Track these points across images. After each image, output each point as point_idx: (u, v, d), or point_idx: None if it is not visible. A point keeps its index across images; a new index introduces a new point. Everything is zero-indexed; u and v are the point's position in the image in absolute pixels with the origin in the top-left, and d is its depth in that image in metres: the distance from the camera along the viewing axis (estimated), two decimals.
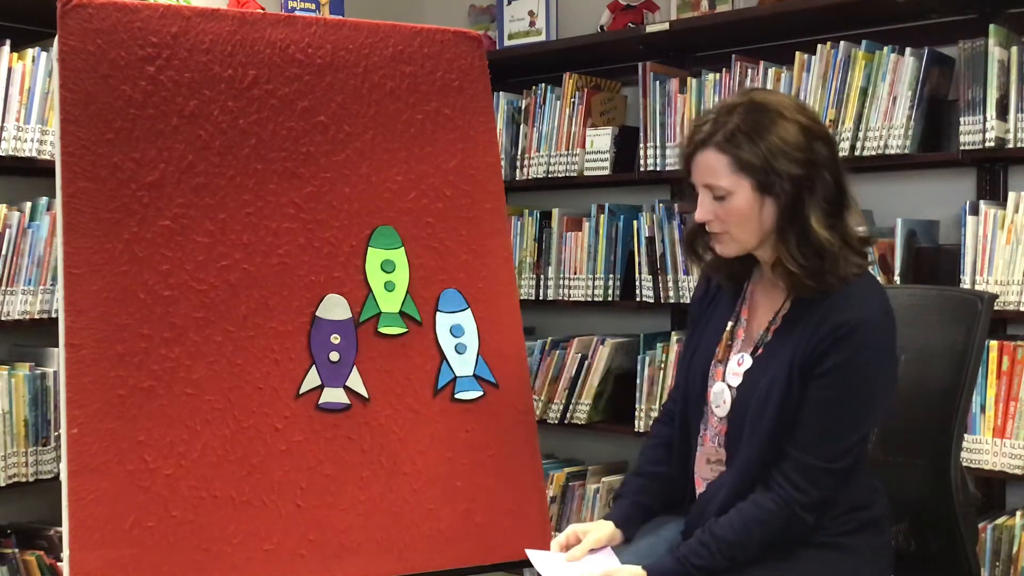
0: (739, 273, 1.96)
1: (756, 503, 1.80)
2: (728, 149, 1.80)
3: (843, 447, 1.79)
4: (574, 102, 3.54)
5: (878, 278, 2.79)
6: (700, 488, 1.95)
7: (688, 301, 3.24)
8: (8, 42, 2.89)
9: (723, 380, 1.91)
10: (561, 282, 3.57)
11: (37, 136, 2.93)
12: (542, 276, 3.61)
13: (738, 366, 1.89)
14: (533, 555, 2.00)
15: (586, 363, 3.48)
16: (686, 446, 1.99)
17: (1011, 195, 2.71)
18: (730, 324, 1.94)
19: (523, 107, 3.69)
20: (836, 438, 1.79)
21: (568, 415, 3.51)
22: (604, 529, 1.96)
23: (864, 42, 2.93)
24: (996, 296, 2.16)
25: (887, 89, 2.86)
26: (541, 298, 3.61)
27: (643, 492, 2.02)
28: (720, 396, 1.90)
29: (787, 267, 1.81)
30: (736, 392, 1.88)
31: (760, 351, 1.87)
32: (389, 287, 2.18)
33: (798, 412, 1.80)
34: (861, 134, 2.90)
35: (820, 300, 1.81)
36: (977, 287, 2.69)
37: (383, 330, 2.16)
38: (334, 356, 2.11)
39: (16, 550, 2.92)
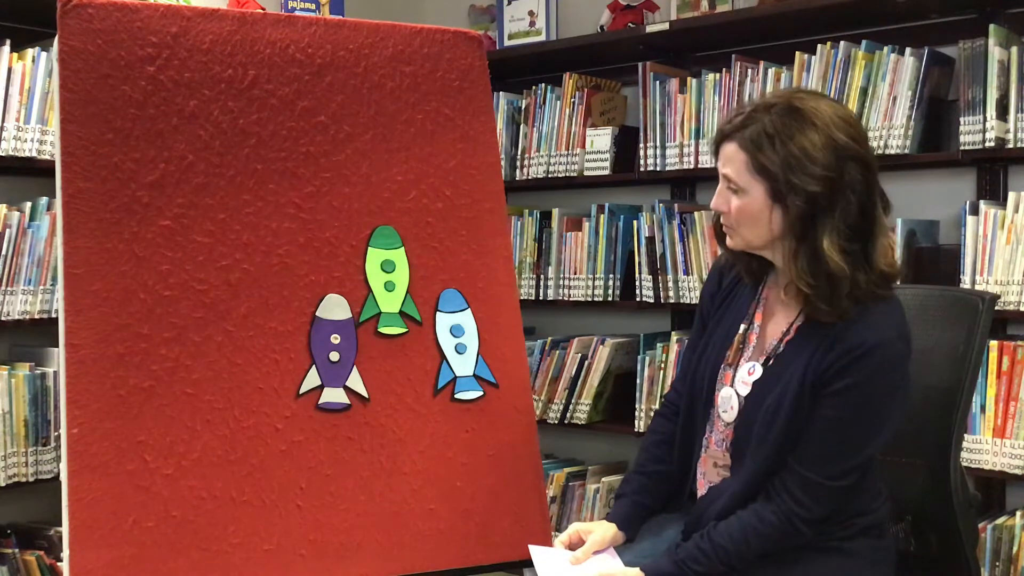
0: (757, 271, 1.93)
1: (757, 514, 1.80)
2: (749, 148, 1.76)
3: (848, 466, 1.78)
4: (574, 102, 3.54)
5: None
6: (702, 489, 1.95)
7: (688, 301, 3.26)
8: (8, 42, 2.89)
9: (731, 385, 1.90)
10: (561, 282, 3.57)
11: (37, 136, 2.93)
12: (542, 276, 3.61)
13: (748, 375, 1.87)
14: (535, 551, 2.01)
15: (586, 363, 3.48)
16: (689, 443, 1.99)
17: (1011, 195, 2.72)
18: (743, 327, 1.93)
19: (523, 107, 3.69)
20: (842, 457, 1.78)
21: (568, 415, 3.51)
22: (607, 530, 1.96)
23: (864, 42, 2.94)
24: (997, 297, 2.15)
25: (887, 89, 2.86)
26: (541, 298, 3.61)
27: (644, 492, 2.01)
28: (728, 402, 1.89)
29: (799, 288, 1.77)
30: (744, 401, 1.87)
31: (771, 361, 1.86)
32: (389, 287, 2.18)
33: (806, 428, 1.79)
34: None
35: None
36: (977, 287, 2.69)
37: (383, 330, 2.16)
38: (334, 356, 2.11)
39: (16, 550, 2.92)
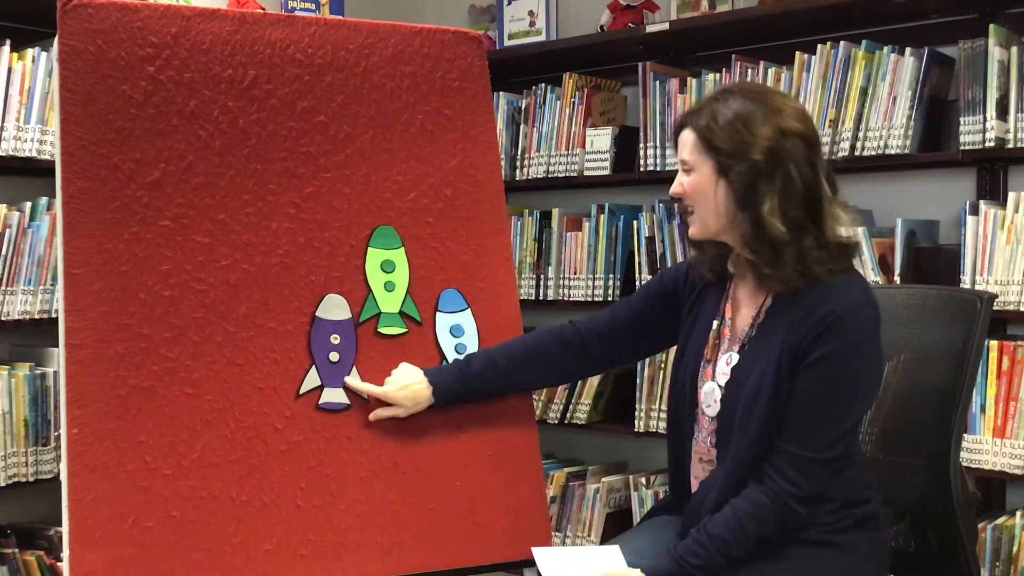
0: (723, 273, 1.98)
1: (749, 498, 1.81)
2: (700, 129, 1.87)
3: (833, 437, 1.80)
4: (574, 102, 3.54)
5: (878, 279, 2.81)
6: (695, 488, 1.95)
7: None
8: (8, 42, 2.89)
9: (713, 380, 1.92)
10: (561, 282, 3.57)
11: (37, 136, 2.93)
12: (542, 276, 3.61)
13: (727, 364, 1.90)
14: (538, 552, 2.01)
15: None
16: (680, 450, 2.00)
17: (1011, 195, 2.72)
18: (715, 323, 1.95)
19: (523, 107, 3.69)
20: (826, 428, 1.80)
21: (568, 415, 3.52)
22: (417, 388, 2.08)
23: (864, 42, 2.94)
24: (996, 296, 2.16)
25: (887, 89, 2.86)
26: (541, 298, 3.61)
27: (477, 360, 2.12)
28: (711, 396, 1.91)
29: (743, 254, 1.86)
30: (725, 390, 1.89)
31: (746, 347, 1.88)
32: (389, 287, 2.18)
33: (787, 406, 1.80)
34: (861, 134, 2.90)
35: (803, 293, 1.82)
36: (977, 287, 2.69)
37: (383, 330, 2.16)
38: (334, 356, 2.11)
39: (16, 550, 2.92)
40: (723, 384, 1.89)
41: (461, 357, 2.15)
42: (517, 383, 2.16)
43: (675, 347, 2.07)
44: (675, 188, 1.94)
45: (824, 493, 1.83)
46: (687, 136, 1.90)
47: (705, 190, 1.87)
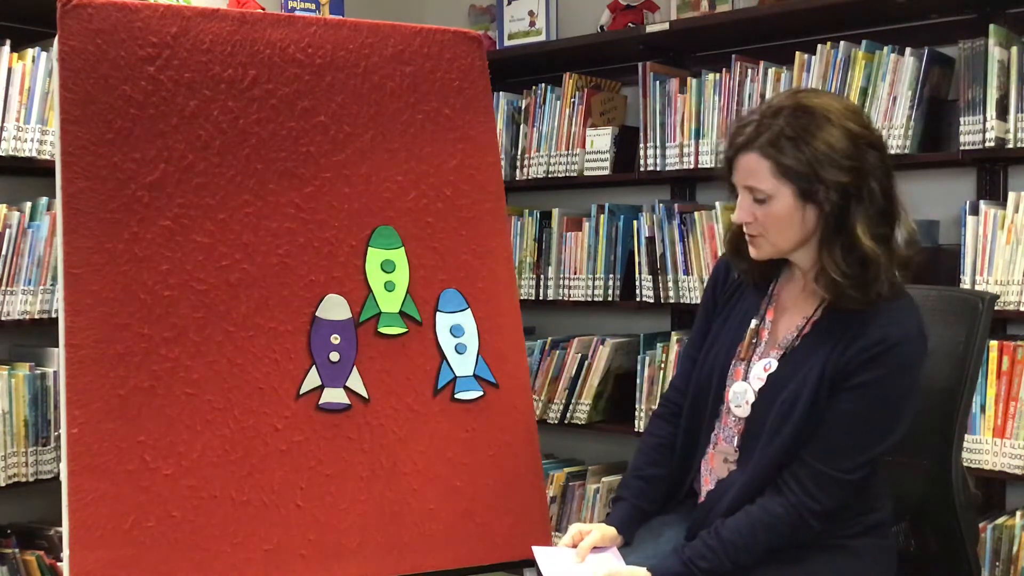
0: (768, 270, 1.93)
1: (765, 508, 1.80)
2: (771, 154, 1.76)
3: (861, 460, 1.79)
4: (574, 102, 3.54)
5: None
6: (708, 486, 1.93)
7: (688, 301, 3.25)
8: (8, 42, 2.89)
9: (745, 380, 1.90)
10: (561, 282, 3.57)
11: (37, 136, 2.93)
12: (542, 276, 3.61)
13: (764, 371, 1.87)
14: (539, 552, 2.00)
15: (586, 363, 3.48)
16: (692, 440, 1.97)
17: (1011, 195, 2.71)
18: (754, 323, 1.92)
19: (523, 107, 3.69)
20: (856, 452, 1.78)
21: (568, 415, 3.51)
22: (606, 531, 1.96)
23: (864, 42, 2.93)
24: (997, 296, 2.15)
25: (887, 89, 2.86)
26: (541, 298, 3.61)
27: (642, 496, 2.01)
28: (742, 396, 1.88)
29: (832, 277, 1.77)
30: (759, 395, 1.87)
31: (787, 356, 1.85)
32: (389, 287, 2.18)
33: (820, 422, 1.79)
34: None
35: (856, 313, 1.78)
36: (977, 287, 2.69)
37: (383, 330, 2.16)
38: (334, 356, 2.12)
39: (16, 550, 2.92)
40: (757, 389, 1.87)
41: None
42: (679, 477, 2.03)
43: (683, 342, 2.04)
44: (743, 216, 1.81)
45: None
46: (753, 162, 1.78)
47: (787, 219, 1.78)
